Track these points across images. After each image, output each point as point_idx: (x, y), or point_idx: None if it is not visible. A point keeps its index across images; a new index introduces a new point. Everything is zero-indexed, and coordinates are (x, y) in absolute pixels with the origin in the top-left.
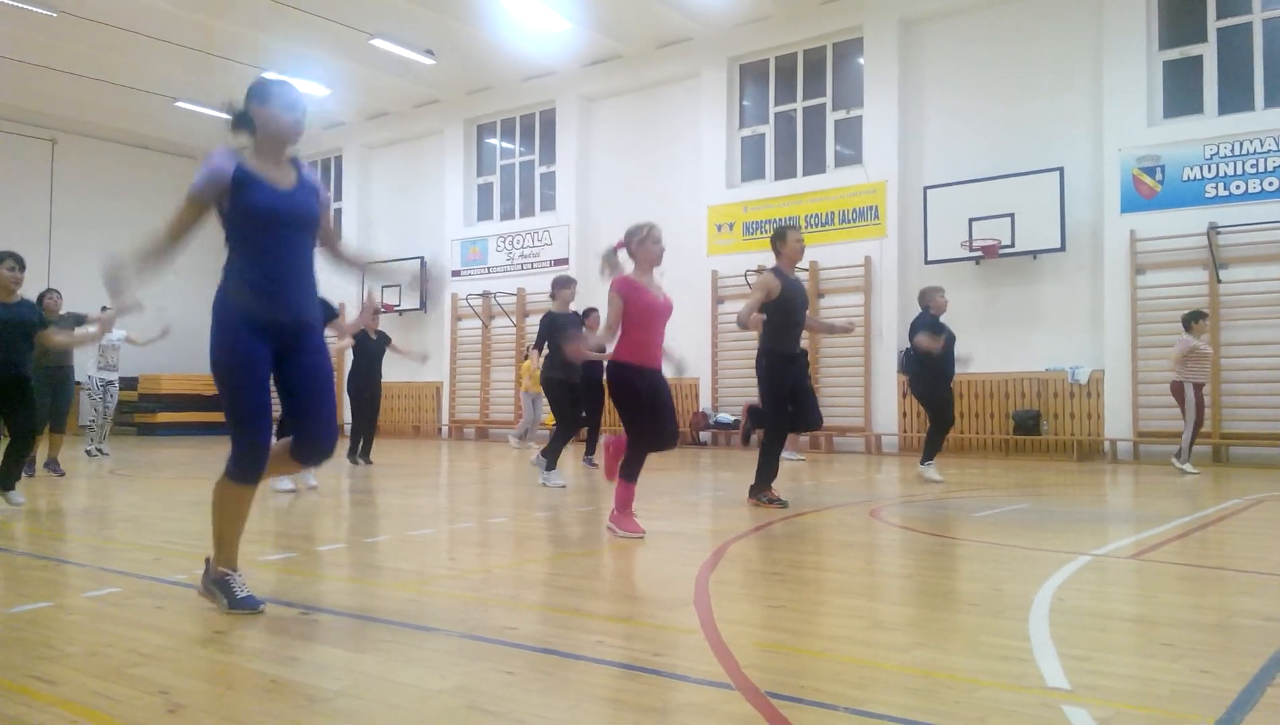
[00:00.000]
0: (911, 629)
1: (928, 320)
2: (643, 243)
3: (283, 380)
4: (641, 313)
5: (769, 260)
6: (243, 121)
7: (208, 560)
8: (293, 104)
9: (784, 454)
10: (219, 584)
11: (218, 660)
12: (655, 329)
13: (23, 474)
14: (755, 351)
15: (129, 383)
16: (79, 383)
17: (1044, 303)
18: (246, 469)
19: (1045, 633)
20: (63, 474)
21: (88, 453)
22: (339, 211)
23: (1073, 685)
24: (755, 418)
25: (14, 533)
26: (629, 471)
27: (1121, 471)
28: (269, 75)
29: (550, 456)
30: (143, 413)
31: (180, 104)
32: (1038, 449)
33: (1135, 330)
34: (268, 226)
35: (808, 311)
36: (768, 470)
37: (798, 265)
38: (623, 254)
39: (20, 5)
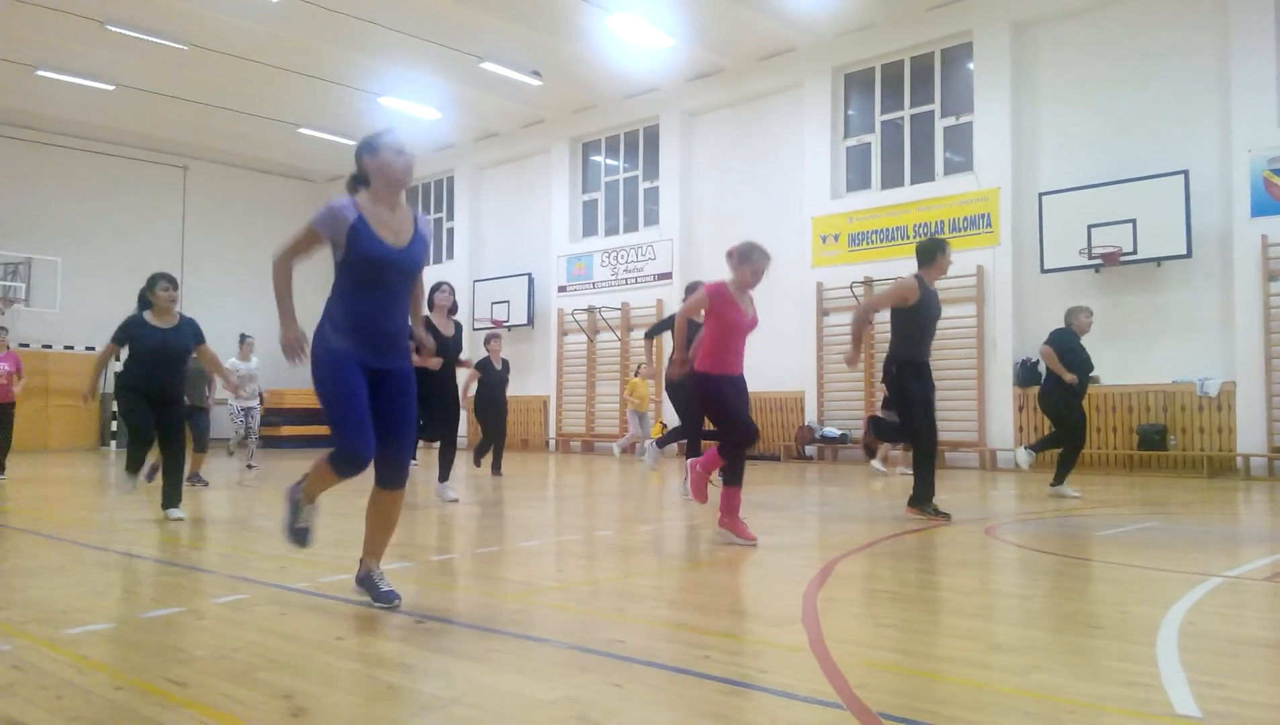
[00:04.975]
0: (1030, 652)
1: (1064, 335)
2: (747, 262)
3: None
4: (726, 327)
5: (875, 271)
6: (359, 180)
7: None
8: (400, 148)
9: (878, 466)
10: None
11: (338, 666)
12: (736, 343)
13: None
14: (862, 365)
15: None
16: (222, 400)
17: (1169, 312)
18: (341, 469)
19: (1174, 658)
20: (206, 484)
21: (249, 466)
22: (450, 231)
23: (1204, 713)
24: (877, 428)
25: (150, 541)
26: (732, 475)
27: (1255, 488)
28: (372, 133)
29: (662, 443)
30: (267, 427)
31: (302, 130)
32: (1164, 465)
33: (1269, 339)
34: (377, 277)
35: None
36: (923, 482)
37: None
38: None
39: (154, 39)
